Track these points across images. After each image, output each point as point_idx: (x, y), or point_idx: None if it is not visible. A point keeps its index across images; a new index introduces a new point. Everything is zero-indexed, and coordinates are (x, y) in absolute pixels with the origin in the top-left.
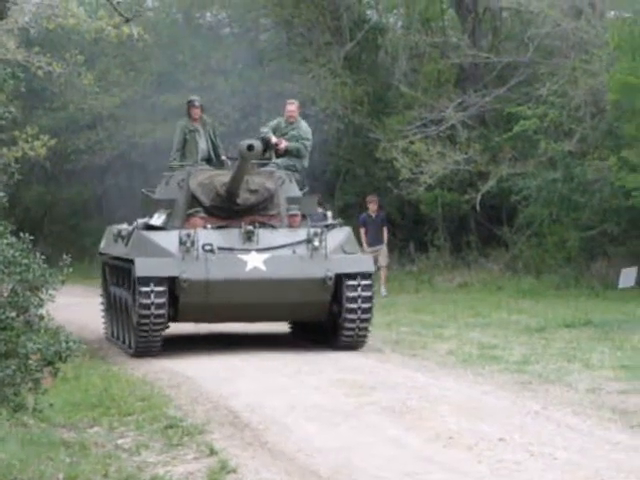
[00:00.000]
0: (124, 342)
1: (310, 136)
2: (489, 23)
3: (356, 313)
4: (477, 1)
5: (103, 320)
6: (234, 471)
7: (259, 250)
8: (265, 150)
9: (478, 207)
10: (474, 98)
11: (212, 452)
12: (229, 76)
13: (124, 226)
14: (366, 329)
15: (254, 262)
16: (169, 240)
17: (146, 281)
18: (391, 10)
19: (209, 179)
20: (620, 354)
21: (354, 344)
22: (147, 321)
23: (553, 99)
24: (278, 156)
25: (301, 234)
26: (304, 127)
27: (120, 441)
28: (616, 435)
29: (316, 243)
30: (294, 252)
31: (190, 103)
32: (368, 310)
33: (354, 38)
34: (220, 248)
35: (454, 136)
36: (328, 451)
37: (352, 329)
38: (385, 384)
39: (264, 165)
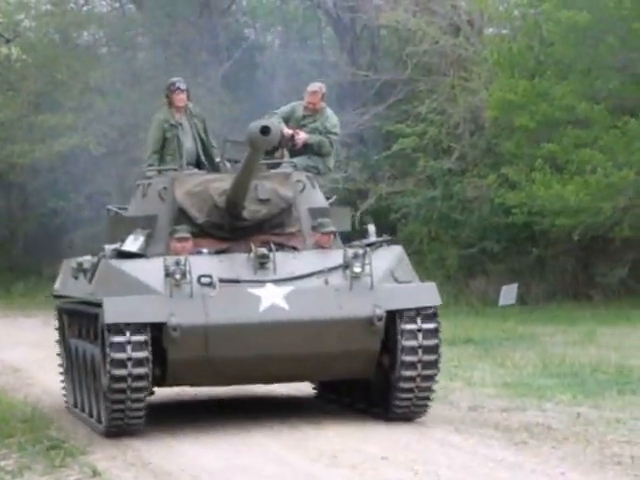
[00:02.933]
0: (91, 415)
1: (338, 128)
2: (367, 41)
3: (414, 366)
4: (355, 19)
5: (62, 385)
6: None
7: (278, 281)
8: (276, 147)
9: (357, 225)
10: (353, 116)
11: (95, 473)
12: (107, 95)
13: (87, 258)
14: (429, 389)
15: (271, 298)
16: (150, 271)
17: (120, 329)
18: (269, 28)
19: (202, 186)
20: (502, 371)
21: (410, 413)
22: (123, 385)
23: (432, 117)
24: (294, 154)
25: (334, 257)
26: (330, 116)
27: (2, 463)
28: (499, 452)
29: (357, 269)
30: (327, 282)
31: (172, 87)
32: (432, 365)
33: (232, 57)
34: (222, 280)
35: None
36: (214, 471)
37: (410, 388)
38: None
39: (276, 166)
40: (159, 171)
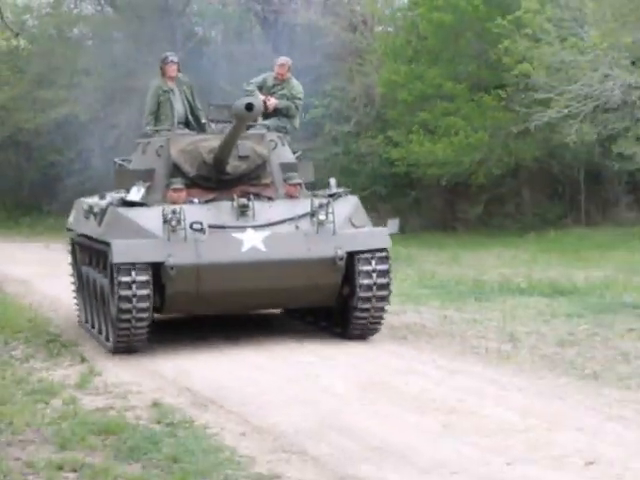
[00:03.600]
0: (100, 332)
1: (302, 95)
2: (287, 35)
3: (370, 290)
4: (277, 19)
5: (76, 303)
6: (99, 374)
7: (256, 227)
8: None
9: None
10: None
11: (83, 360)
12: (91, 76)
13: (96, 200)
14: (382, 311)
15: (251, 241)
16: (151, 218)
17: (126, 269)
18: (213, 26)
19: (193, 145)
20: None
21: (366, 330)
22: (128, 316)
23: (335, 93)
24: (266, 117)
25: (303, 206)
26: (295, 85)
27: (13, 352)
28: (387, 345)
29: (322, 216)
30: (297, 228)
31: (165, 60)
32: (386, 286)
33: (185, 48)
34: (211, 226)
35: None
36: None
37: (366, 312)
38: None
39: (251, 127)
40: (156, 130)
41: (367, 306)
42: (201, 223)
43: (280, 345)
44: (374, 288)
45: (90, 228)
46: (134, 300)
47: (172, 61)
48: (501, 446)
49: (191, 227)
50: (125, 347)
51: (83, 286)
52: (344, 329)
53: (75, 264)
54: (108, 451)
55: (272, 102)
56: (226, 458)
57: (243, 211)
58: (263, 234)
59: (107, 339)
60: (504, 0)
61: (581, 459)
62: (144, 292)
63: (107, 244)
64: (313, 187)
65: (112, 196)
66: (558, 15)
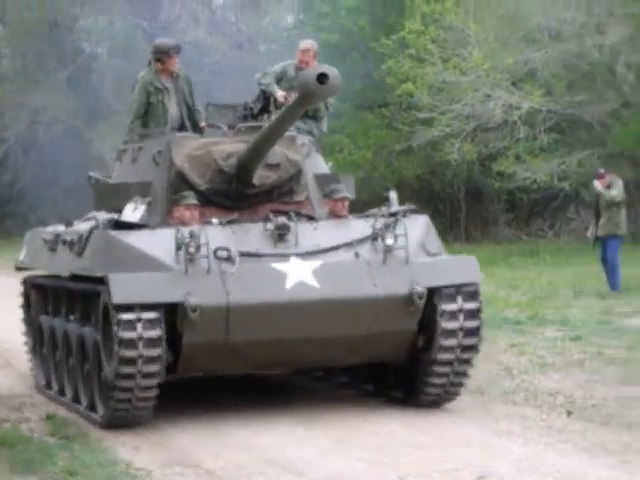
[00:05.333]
0: (77, 401)
1: None
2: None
3: (456, 338)
4: (165, 35)
5: (31, 365)
6: None
7: (303, 255)
8: (264, 109)
9: None
10: None
11: None
12: None
13: (60, 228)
14: (468, 367)
15: (298, 275)
16: (159, 244)
17: (129, 310)
18: (100, 43)
19: (203, 150)
20: None
21: (448, 395)
22: (132, 370)
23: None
24: None
25: (359, 227)
26: None
27: None
28: None
29: (389, 241)
30: (357, 256)
31: (165, 50)
32: (475, 331)
33: (74, 63)
34: (243, 254)
35: None
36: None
37: (449, 369)
38: None
39: (257, 129)
40: (142, 136)
41: (449, 358)
42: (228, 249)
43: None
44: (460, 335)
45: (62, 263)
46: (141, 350)
47: (175, 52)
48: (393, 461)
49: (215, 255)
50: (123, 420)
51: (44, 342)
52: (408, 393)
53: (29, 314)
54: (4, 464)
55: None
56: (121, 471)
57: (282, 234)
58: (313, 265)
59: (91, 409)
60: (389, 21)
61: (472, 474)
62: (154, 334)
63: (97, 280)
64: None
65: (97, 218)
66: (441, 36)
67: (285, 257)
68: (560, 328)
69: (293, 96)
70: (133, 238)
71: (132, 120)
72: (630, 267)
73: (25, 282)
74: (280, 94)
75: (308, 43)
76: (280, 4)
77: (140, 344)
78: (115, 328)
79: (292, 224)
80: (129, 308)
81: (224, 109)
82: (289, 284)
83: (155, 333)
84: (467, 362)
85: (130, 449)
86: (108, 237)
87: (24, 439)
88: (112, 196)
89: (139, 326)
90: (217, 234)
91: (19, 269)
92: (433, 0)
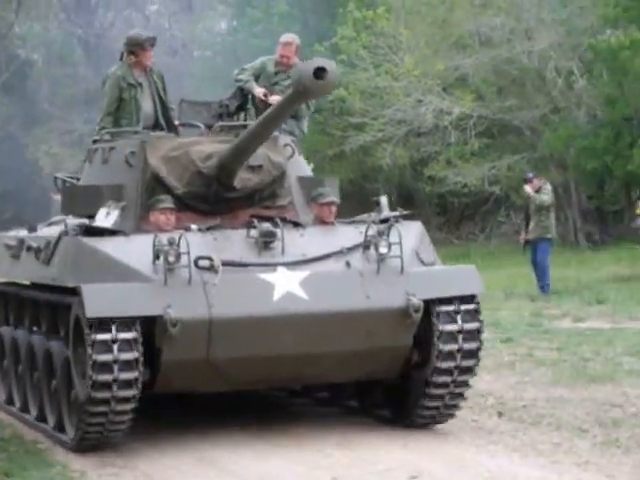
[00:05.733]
0: (42, 420)
1: None
2: (108, 58)
3: (453, 359)
4: (99, 42)
5: None
6: None
7: (290, 265)
8: (241, 107)
9: None
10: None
11: None
12: None
13: (22, 233)
14: (464, 387)
15: (285, 285)
16: (135, 252)
17: (104, 325)
18: (35, 50)
19: (180, 151)
20: None
21: (440, 415)
22: (107, 394)
23: None
24: (261, 114)
25: (350, 235)
26: None
27: None
28: None
29: (383, 249)
30: (348, 265)
31: (139, 42)
32: (475, 353)
33: (9, 70)
34: (225, 263)
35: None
36: None
37: (446, 389)
38: None
39: (236, 129)
40: (113, 134)
41: (446, 380)
42: (211, 258)
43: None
44: (458, 357)
45: (26, 271)
46: (116, 370)
47: (150, 45)
48: (325, 462)
49: (196, 264)
50: (95, 442)
51: (5, 355)
52: (400, 414)
53: None
54: None
55: (275, 98)
56: (57, 473)
57: (267, 242)
58: (301, 275)
59: (59, 429)
60: (321, 27)
61: (405, 473)
62: (130, 356)
63: (68, 291)
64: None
65: (67, 223)
66: (373, 42)
67: (272, 267)
68: (491, 330)
69: (275, 96)
70: (107, 245)
71: (102, 117)
72: (559, 270)
73: None
74: (259, 90)
75: (289, 37)
76: (214, 10)
77: (116, 367)
78: (89, 349)
79: (278, 231)
80: (104, 327)
81: (198, 106)
82: (276, 296)
83: (132, 355)
84: (464, 383)
85: (66, 451)
86: (79, 244)
87: None
88: (81, 199)
89: (115, 347)
90: (198, 241)
91: None
92: (365, 7)
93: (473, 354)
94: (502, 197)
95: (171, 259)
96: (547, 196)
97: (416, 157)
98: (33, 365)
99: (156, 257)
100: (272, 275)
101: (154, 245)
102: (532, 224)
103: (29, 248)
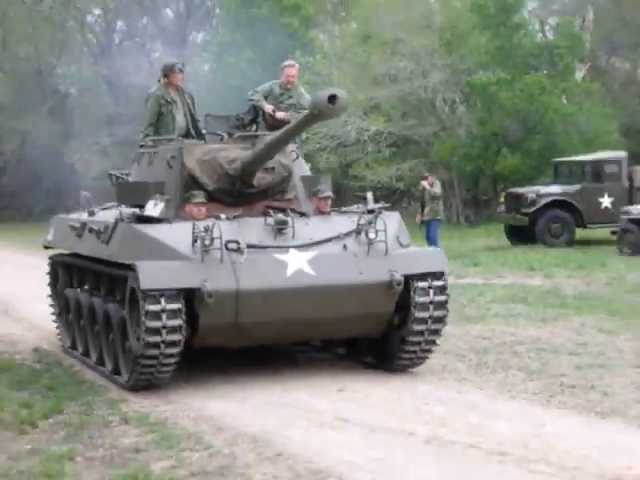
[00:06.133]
0: (101, 364)
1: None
2: (124, 91)
3: (425, 323)
4: (118, 79)
5: (57, 328)
6: None
7: (300, 247)
8: (253, 120)
9: None
10: None
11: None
12: None
13: (84, 216)
14: (434, 343)
15: (297, 263)
16: (178, 236)
17: (155, 296)
18: (71, 85)
19: (210, 155)
20: None
21: (416, 362)
22: (156, 352)
23: None
24: (271, 129)
25: (346, 223)
26: (303, 93)
27: None
28: None
29: (372, 235)
30: (345, 248)
31: (171, 68)
32: (442, 319)
33: (53, 99)
34: (249, 246)
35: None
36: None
37: (419, 344)
38: None
39: (253, 138)
40: (155, 141)
41: (420, 340)
42: (238, 242)
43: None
44: (429, 321)
45: (89, 247)
46: (163, 332)
47: (179, 69)
48: (325, 396)
49: (226, 247)
50: (146, 384)
51: (68, 310)
52: (382, 360)
53: (55, 286)
54: (3, 384)
55: (281, 115)
56: (87, 387)
57: (281, 228)
58: (309, 255)
59: (115, 372)
60: (277, 69)
61: (334, 386)
62: (175, 323)
63: (125, 266)
64: None
65: (122, 212)
66: (313, 80)
67: (285, 249)
68: None
69: (280, 113)
70: (154, 230)
71: (145, 127)
72: (446, 242)
73: (52, 260)
74: (268, 107)
75: (292, 62)
76: (199, 57)
77: (164, 332)
78: (143, 317)
79: (289, 219)
80: (155, 299)
81: (220, 119)
82: (289, 272)
83: (177, 322)
84: (433, 342)
85: (93, 373)
86: (132, 229)
87: (18, 365)
88: (132, 192)
89: (164, 316)
90: (226, 228)
91: (46, 247)
92: (307, 54)
93: (441, 320)
94: (405, 190)
95: (207, 242)
96: (437, 189)
97: (344, 162)
98: (93, 321)
99: (194, 241)
100: (285, 255)
101: (193, 231)
102: (427, 209)
103: (90, 230)
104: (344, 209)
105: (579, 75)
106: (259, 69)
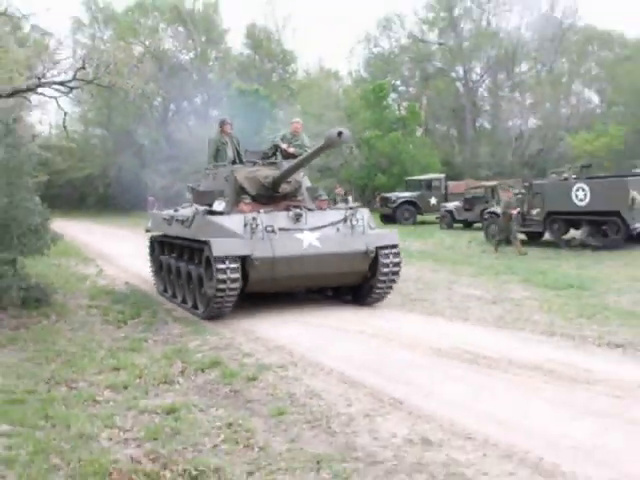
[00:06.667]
0: (185, 302)
1: (310, 145)
2: (173, 143)
3: (387, 275)
4: (172, 135)
5: (154, 279)
6: (104, 271)
7: (311, 229)
8: (274, 154)
9: None
10: None
11: (97, 266)
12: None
13: (171, 212)
14: (391, 287)
15: (309, 240)
16: (235, 223)
17: (222, 259)
18: (144, 138)
19: (252, 173)
20: None
21: (381, 299)
22: (223, 294)
23: None
24: (285, 159)
25: (338, 215)
26: (306, 137)
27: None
28: None
29: (354, 222)
30: (338, 230)
31: (225, 122)
32: (397, 272)
33: (133, 148)
34: (280, 229)
35: (167, 175)
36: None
37: (383, 288)
38: None
39: (275, 164)
40: (215, 166)
41: (384, 286)
42: (272, 226)
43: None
44: (390, 274)
45: (177, 230)
46: (228, 281)
47: (229, 123)
48: (319, 319)
49: (265, 229)
50: (215, 315)
51: (162, 269)
52: (359, 298)
53: (152, 254)
54: (109, 300)
55: (291, 150)
56: (155, 303)
57: (298, 218)
58: (316, 234)
59: (194, 307)
60: (260, 122)
61: (321, 312)
62: (235, 275)
63: (202, 242)
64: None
65: (197, 208)
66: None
67: (301, 230)
68: None
69: (291, 148)
70: (220, 219)
71: (209, 159)
72: None
73: (151, 239)
74: (284, 146)
75: (297, 120)
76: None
77: (228, 281)
78: (215, 272)
79: (303, 212)
80: (222, 261)
81: (254, 153)
82: (305, 245)
83: (235, 275)
84: (394, 281)
85: (159, 297)
86: (207, 219)
87: (116, 291)
88: (203, 196)
89: (228, 271)
90: (265, 218)
91: (147, 231)
92: (273, 124)
93: (396, 273)
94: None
95: (253, 227)
96: (343, 194)
97: None
98: (179, 276)
99: (245, 225)
100: (301, 234)
101: (244, 220)
102: (338, 205)
103: (177, 220)
104: (334, 206)
105: (418, 133)
106: (250, 131)
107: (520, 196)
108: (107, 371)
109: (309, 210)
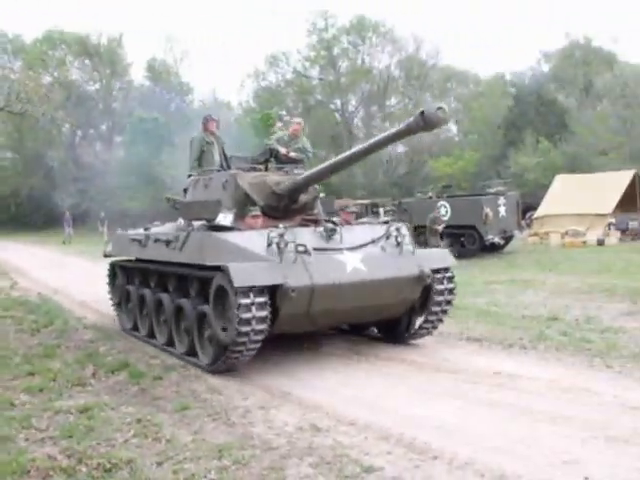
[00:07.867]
0: (169, 345)
1: (311, 150)
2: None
3: (441, 305)
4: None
5: (117, 314)
6: (18, 284)
7: (351, 249)
8: (267, 160)
9: None
10: None
11: (11, 279)
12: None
13: (141, 231)
14: (442, 320)
15: (352, 262)
16: (255, 242)
17: (246, 292)
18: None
19: (258, 178)
20: None
21: (429, 334)
22: (245, 340)
23: None
24: (281, 163)
25: (377, 230)
26: (306, 140)
27: None
28: None
29: (400, 239)
30: (383, 250)
31: (210, 118)
32: (451, 302)
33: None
34: (315, 249)
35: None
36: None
37: (433, 322)
38: None
39: (282, 169)
40: (203, 172)
41: (434, 318)
42: (305, 245)
43: None
44: (443, 303)
45: (157, 253)
46: (254, 322)
47: (215, 120)
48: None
49: (296, 250)
50: (229, 368)
51: (129, 302)
52: (395, 335)
53: (113, 284)
54: (23, 310)
55: (292, 154)
56: (66, 312)
57: (331, 235)
58: (358, 255)
59: (189, 354)
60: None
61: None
62: (263, 314)
63: (207, 268)
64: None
65: (189, 224)
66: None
67: (340, 250)
68: None
69: (291, 153)
70: (231, 237)
71: (192, 162)
72: None
73: (112, 264)
74: (283, 150)
75: (297, 120)
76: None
77: (253, 322)
78: (236, 310)
79: (337, 228)
80: (246, 294)
81: (240, 159)
82: (349, 269)
83: (264, 313)
84: (446, 312)
85: (71, 304)
86: (213, 237)
87: (29, 302)
88: (190, 209)
89: (253, 308)
90: (293, 235)
91: (106, 256)
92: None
93: (450, 302)
94: None
95: (282, 246)
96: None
97: None
98: (159, 312)
99: (268, 245)
100: (342, 256)
101: (268, 237)
102: None
103: (155, 240)
104: (359, 220)
105: None
106: (149, 156)
107: (391, 213)
108: (22, 376)
109: (336, 225)
